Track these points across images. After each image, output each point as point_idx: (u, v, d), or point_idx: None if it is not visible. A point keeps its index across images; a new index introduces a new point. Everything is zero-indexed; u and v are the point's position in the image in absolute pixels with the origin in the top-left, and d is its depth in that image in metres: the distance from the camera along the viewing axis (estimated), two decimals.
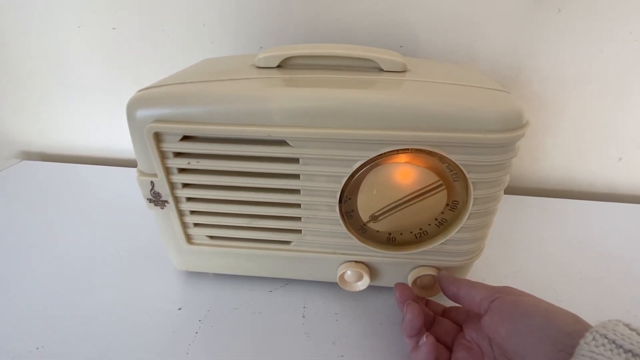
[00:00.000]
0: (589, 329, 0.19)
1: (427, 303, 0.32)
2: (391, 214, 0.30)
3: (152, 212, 0.32)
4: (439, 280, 0.31)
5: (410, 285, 0.33)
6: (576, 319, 0.21)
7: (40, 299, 0.35)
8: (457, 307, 0.31)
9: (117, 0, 0.49)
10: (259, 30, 0.49)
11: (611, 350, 0.18)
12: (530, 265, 0.40)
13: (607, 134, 0.51)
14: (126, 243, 0.43)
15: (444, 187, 0.28)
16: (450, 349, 0.28)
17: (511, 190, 0.55)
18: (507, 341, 0.23)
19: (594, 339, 0.19)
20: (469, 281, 0.29)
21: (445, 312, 0.31)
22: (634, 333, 0.18)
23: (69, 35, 0.53)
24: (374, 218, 0.30)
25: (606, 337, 0.18)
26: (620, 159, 0.53)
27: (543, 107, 0.50)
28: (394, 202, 0.29)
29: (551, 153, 0.54)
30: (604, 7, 0.43)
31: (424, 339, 0.26)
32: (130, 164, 0.63)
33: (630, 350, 0.18)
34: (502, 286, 0.27)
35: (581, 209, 0.51)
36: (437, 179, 0.28)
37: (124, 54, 0.54)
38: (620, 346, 0.18)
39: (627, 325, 0.19)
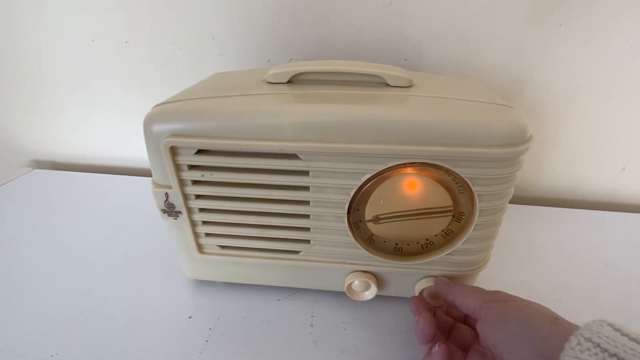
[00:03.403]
0: (574, 332, 0.19)
1: (448, 310, 0.33)
2: (394, 220, 0.30)
3: (165, 223, 0.33)
4: (436, 288, 0.31)
5: (424, 294, 0.34)
6: (553, 321, 0.21)
7: (52, 307, 0.36)
8: None
9: (129, 15, 0.51)
10: (267, 43, 0.50)
11: (596, 354, 0.18)
12: (535, 274, 0.41)
13: (611, 144, 0.52)
14: (137, 251, 0.44)
15: (452, 213, 0.29)
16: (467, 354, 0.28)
17: (515, 200, 0.56)
18: (494, 348, 0.24)
19: (578, 343, 0.19)
20: (462, 289, 0.29)
21: (467, 318, 0.32)
22: (618, 334, 0.18)
23: (83, 48, 0.54)
24: (376, 219, 0.31)
25: (591, 341, 0.18)
26: (624, 168, 0.54)
27: (547, 118, 0.51)
28: (399, 212, 0.30)
29: (555, 163, 0.55)
30: (605, 21, 0.44)
31: (437, 347, 0.27)
32: (140, 172, 0.64)
33: (615, 354, 0.18)
34: (494, 291, 0.27)
35: (585, 218, 0.52)
36: (450, 204, 0.29)
37: (135, 66, 0.55)
38: (606, 350, 0.18)
39: (611, 326, 0.19)
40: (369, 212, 0.30)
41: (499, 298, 0.26)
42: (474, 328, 0.30)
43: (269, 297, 0.37)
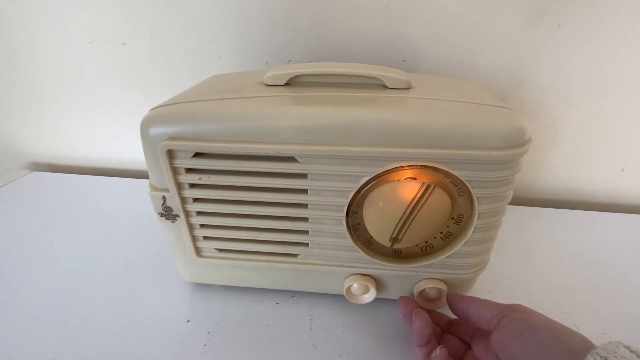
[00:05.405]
0: (591, 351, 0.20)
1: (430, 314, 0.32)
2: (406, 229, 0.30)
3: (163, 226, 0.33)
4: (448, 300, 0.31)
5: (416, 298, 0.34)
6: (584, 340, 0.22)
7: (49, 311, 0.36)
8: (462, 322, 0.31)
9: (127, 16, 0.51)
10: (265, 45, 0.50)
11: None
12: (534, 276, 0.41)
13: (609, 145, 0.52)
14: (134, 254, 0.44)
15: (434, 186, 0.28)
16: None
17: (514, 201, 0.55)
18: (515, 357, 0.23)
19: None
20: (478, 298, 0.29)
21: (452, 328, 0.31)
22: (634, 356, 0.19)
23: (81, 50, 0.54)
24: (395, 240, 0.30)
25: None
26: (623, 169, 0.54)
27: (545, 119, 0.51)
28: (401, 217, 0.29)
29: (554, 164, 0.55)
30: (602, 23, 0.44)
31: (437, 350, 0.27)
32: (138, 175, 0.64)
33: None
34: (511, 304, 0.27)
35: (584, 219, 0.52)
36: (422, 182, 0.28)
37: (133, 68, 0.55)
38: None
39: (627, 348, 0.19)
40: (382, 238, 0.30)
41: (521, 309, 0.26)
42: (462, 340, 0.30)
43: (268, 300, 0.37)
